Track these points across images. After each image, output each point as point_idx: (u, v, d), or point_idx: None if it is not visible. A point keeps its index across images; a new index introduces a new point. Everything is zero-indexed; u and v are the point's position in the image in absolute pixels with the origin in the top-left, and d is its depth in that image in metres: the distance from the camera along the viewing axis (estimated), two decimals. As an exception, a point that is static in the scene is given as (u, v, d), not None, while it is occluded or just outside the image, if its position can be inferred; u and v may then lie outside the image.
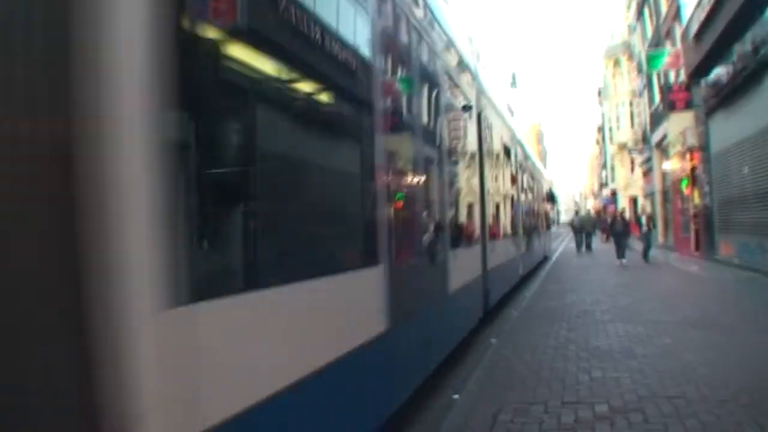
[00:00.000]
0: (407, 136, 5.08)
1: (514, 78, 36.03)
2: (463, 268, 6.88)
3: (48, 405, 1.74)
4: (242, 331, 2.31)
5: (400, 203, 4.75)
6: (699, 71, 17.10)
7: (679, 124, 20.66)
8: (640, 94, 34.54)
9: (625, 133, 47.43)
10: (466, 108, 7.54)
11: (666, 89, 18.71)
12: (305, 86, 3.17)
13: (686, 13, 17.97)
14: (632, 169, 48.38)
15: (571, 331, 7.70)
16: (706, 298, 10.52)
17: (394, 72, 4.68)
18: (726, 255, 15.80)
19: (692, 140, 18.91)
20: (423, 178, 5.49)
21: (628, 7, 36.26)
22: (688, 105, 17.92)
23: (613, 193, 55.61)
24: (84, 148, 1.74)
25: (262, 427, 2.39)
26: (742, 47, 13.34)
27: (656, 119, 26.75)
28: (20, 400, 1.72)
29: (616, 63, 49.54)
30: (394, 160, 4.68)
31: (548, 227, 25.12)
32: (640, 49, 31.95)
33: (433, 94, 5.96)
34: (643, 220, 18.90)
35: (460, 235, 7.10)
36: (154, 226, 1.83)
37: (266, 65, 2.73)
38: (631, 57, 45.43)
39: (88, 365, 1.71)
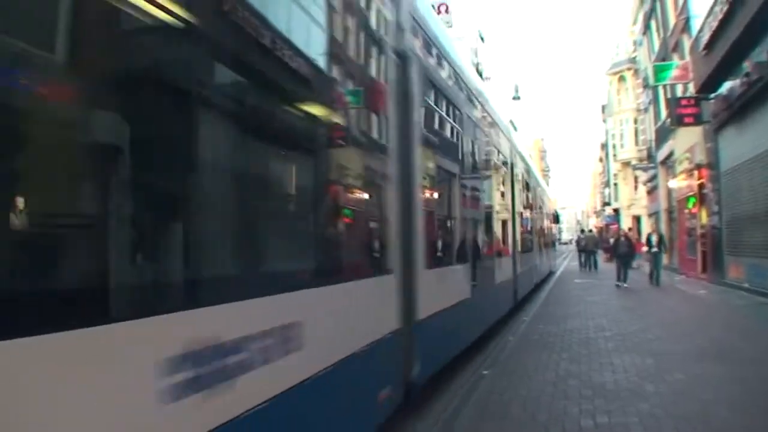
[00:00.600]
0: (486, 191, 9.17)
1: (516, 90, 35.30)
2: (504, 271, 10.23)
3: None
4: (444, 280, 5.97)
5: (480, 230, 8.64)
6: (708, 84, 16.38)
7: (687, 141, 19.92)
8: (646, 110, 33.90)
9: (629, 151, 46.91)
10: (505, 163, 11.27)
11: (674, 103, 17.92)
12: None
13: (696, 24, 17.27)
14: (636, 188, 47.77)
15: (573, 363, 6.91)
16: (717, 325, 9.72)
17: (476, 149, 8.24)
18: (736, 278, 14.99)
19: (700, 157, 18.15)
20: (495, 214, 10.00)
21: (634, 22, 35.67)
22: (697, 120, 17.13)
23: (616, 212, 54.82)
24: None
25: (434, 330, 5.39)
26: (757, 57, 12.62)
27: (662, 135, 26.02)
28: None
29: (621, 79, 49.02)
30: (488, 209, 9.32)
31: (554, 245, 28.05)
32: (646, 64, 31.31)
33: (493, 157, 9.94)
34: (653, 239, 17.39)
35: (501, 249, 10.39)
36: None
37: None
38: (636, 73, 44.95)
39: None
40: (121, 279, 2.00)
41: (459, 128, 7.06)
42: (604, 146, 65.54)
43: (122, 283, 2.00)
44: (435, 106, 6.00)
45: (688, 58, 18.53)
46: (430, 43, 5.78)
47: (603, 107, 63.73)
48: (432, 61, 5.91)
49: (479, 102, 8.61)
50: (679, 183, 21.89)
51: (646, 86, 32.12)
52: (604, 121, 62.01)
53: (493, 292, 9.10)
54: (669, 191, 25.75)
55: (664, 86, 25.23)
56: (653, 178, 30.00)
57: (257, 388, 2.53)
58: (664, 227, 26.98)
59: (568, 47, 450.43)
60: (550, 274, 22.25)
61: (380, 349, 4.14)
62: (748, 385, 5.61)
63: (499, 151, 10.29)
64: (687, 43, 19.03)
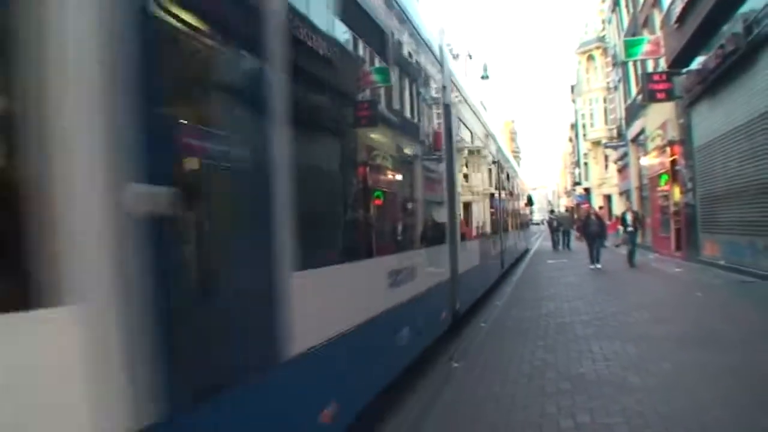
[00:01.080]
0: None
1: (485, 69, 34.51)
2: (496, 247, 12.98)
3: None
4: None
5: (484, 216, 11.57)
6: (680, 59, 16.02)
7: (658, 117, 19.61)
8: (615, 89, 33.63)
9: (599, 130, 46.88)
10: (495, 162, 13.84)
11: (645, 79, 17.50)
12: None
13: (667, -3, 16.89)
14: (606, 167, 47.81)
15: (549, 352, 6.42)
16: (699, 306, 9.32)
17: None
18: (711, 255, 14.72)
19: (673, 133, 17.83)
20: (491, 204, 12.80)
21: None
22: (669, 96, 16.74)
23: (587, 191, 54.88)
24: None
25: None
26: (731, 28, 12.22)
27: (632, 113, 25.75)
28: None
29: (590, 58, 48.85)
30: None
31: (528, 226, 31.50)
32: (616, 41, 31.00)
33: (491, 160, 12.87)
34: (629, 218, 16.42)
35: (495, 231, 13.01)
36: None
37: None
38: (605, 52, 44.78)
39: None
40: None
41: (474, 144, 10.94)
42: (574, 126, 65.49)
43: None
44: (461, 133, 9.18)
45: (659, 33, 18.14)
46: (459, 95, 8.90)
47: (572, 87, 63.57)
48: (460, 106, 9.04)
49: (482, 122, 12.25)
50: (651, 160, 21.62)
51: (615, 64, 31.83)
52: (574, 101, 61.88)
53: (492, 262, 12.25)
54: (640, 169, 25.53)
55: (635, 63, 24.91)
56: (624, 156, 29.80)
57: (405, 291, 5.09)
58: (635, 205, 26.81)
59: (537, 27, 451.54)
60: (527, 251, 25.88)
61: (443, 287, 6.79)
62: (739, 374, 5.16)
63: (494, 156, 13.77)
64: (658, 18, 18.65)
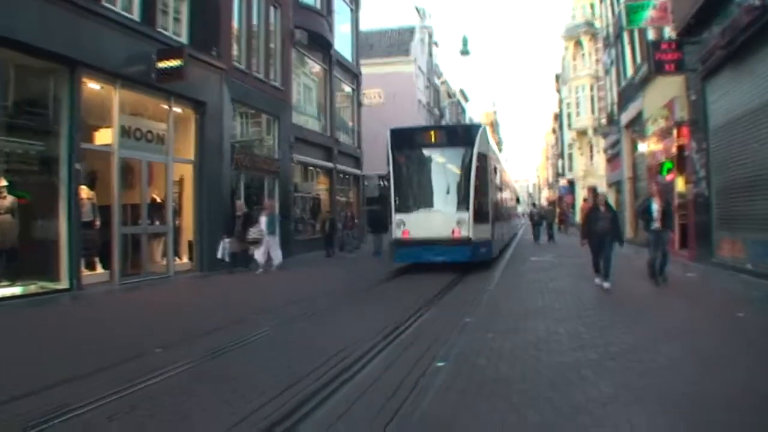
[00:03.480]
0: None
1: (465, 43, 31.71)
2: (498, 229, 17.95)
3: None
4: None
5: (500, 210, 20.39)
6: (692, 27, 13.41)
7: (661, 96, 17.00)
8: (607, 72, 30.99)
9: (585, 119, 44.52)
10: (503, 178, 22.78)
11: (652, 47, 14.76)
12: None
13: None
14: (591, 157, 45.53)
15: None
16: (749, 334, 6.64)
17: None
18: (732, 257, 12.13)
19: (682, 113, 15.18)
20: (502, 202, 21.67)
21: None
22: (679, 67, 14.10)
23: (571, 183, 52.53)
24: None
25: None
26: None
27: (627, 96, 23.15)
28: None
29: (577, 44, 46.35)
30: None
31: (516, 217, 37.99)
32: (609, 19, 28.39)
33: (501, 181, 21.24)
34: (655, 208, 10.94)
35: (499, 219, 18.66)
36: None
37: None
38: (593, 38, 42.39)
39: None
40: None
41: (497, 173, 18.41)
42: (558, 116, 63.22)
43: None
44: (491, 168, 16.42)
45: (665, -4, 15.44)
46: (487, 147, 16.16)
47: (557, 76, 61.25)
48: (490, 153, 16.45)
49: (499, 160, 21.21)
50: (651, 147, 19.00)
51: (608, 45, 29.20)
52: (559, 90, 59.56)
53: (497, 239, 17.59)
54: (635, 157, 22.97)
55: (631, 40, 22.42)
56: (616, 143, 27.20)
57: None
58: (627, 198, 24.29)
59: (522, 16, 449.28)
60: (515, 235, 31.71)
61: (491, 242, 15.92)
62: None
63: (503, 177, 21.85)
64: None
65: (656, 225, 10.91)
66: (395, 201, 15.32)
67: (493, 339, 6.56)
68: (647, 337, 6.41)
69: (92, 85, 12.99)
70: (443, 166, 15.70)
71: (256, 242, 16.28)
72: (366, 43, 39.97)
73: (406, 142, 15.92)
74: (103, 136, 13.44)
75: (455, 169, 15.42)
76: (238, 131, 19.95)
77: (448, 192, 15.16)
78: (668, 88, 16.06)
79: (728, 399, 4.29)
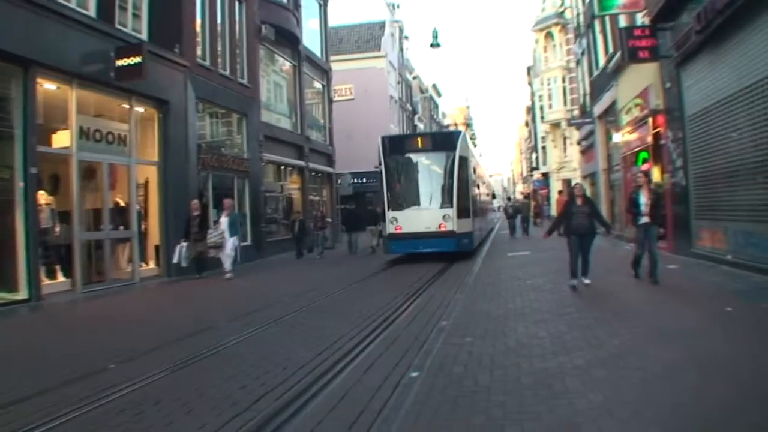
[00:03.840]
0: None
1: (435, 35, 31.27)
2: (478, 223, 20.79)
3: None
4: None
5: (477, 204, 21.73)
6: (666, 12, 13.16)
7: (636, 85, 16.79)
8: (578, 63, 30.85)
9: (558, 111, 44.47)
10: (480, 176, 24.63)
11: (625, 34, 14.51)
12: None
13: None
14: (565, 150, 45.51)
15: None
16: (743, 330, 6.30)
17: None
18: (711, 248, 11.91)
19: (657, 101, 14.95)
20: (480, 197, 23.96)
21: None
22: (654, 54, 13.87)
23: (545, 176, 52.56)
24: None
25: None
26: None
27: (600, 85, 22.97)
28: None
29: (548, 36, 46.23)
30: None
31: (491, 211, 39.19)
32: (579, 10, 28.24)
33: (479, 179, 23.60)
34: (643, 200, 10.23)
35: (478, 213, 21.34)
36: None
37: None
38: (564, 29, 42.33)
39: None
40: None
41: (476, 172, 20.72)
42: (531, 110, 63.34)
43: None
44: (471, 169, 18.67)
45: (637, -17, 15.18)
46: (467, 150, 18.47)
47: (528, 68, 61.30)
48: (469, 155, 18.85)
49: (478, 162, 24.90)
50: (626, 137, 18.80)
51: (579, 35, 29.05)
52: (530, 83, 59.59)
53: (477, 231, 19.96)
54: (609, 148, 22.80)
55: (603, 29, 22.22)
56: (589, 135, 27.06)
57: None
58: (603, 190, 24.14)
59: (492, 8, 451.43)
60: (491, 230, 32.78)
61: (472, 234, 18.11)
62: None
63: (480, 175, 24.15)
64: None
65: (644, 219, 10.17)
66: (388, 200, 17.42)
67: (470, 347, 6.14)
68: (637, 338, 6.04)
69: (48, 86, 12.41)
70: (429, 168, 17.95)
71: (218, 247, 15.11)
72: (335, 38, 39.48)
73: (396, 148, 18.24)
74: (61, 139, 12.85)
75: (440, 171, 17.70)
76: (207, 131, 19.39)
77: (434, 191, 17.44)
78: (642, 76, 15.84)
79: (730, 407, 3.94)
